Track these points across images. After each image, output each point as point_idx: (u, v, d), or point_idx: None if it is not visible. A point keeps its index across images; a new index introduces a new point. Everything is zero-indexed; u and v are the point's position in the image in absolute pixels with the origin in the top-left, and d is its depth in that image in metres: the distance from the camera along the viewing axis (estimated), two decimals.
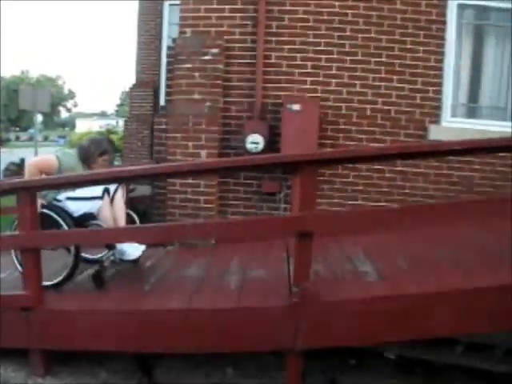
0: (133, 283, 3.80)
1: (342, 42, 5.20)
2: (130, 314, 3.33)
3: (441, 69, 5.29)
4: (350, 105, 5.19)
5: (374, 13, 5.22)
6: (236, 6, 5.28)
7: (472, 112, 5.67)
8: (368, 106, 5.21)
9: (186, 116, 5.09)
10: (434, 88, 5.28)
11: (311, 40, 5.21)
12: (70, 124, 67.67)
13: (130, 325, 3.27)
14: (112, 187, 3.96)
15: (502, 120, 5.60)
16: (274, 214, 5.08)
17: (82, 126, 45.06)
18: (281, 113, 5.02)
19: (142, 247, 4.02)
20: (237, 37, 5.28)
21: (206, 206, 4.97)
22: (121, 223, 3.96)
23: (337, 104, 5.18)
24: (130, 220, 4.20)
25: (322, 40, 5.20)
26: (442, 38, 5.30)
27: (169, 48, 5.71)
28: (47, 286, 3.66)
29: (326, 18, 5.21)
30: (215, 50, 5.17)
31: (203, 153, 5.02)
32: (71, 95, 70.83)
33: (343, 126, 5.18)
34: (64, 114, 72.38)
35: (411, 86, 5.24)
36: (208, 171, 3.24)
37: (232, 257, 4.40)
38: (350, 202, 5.17)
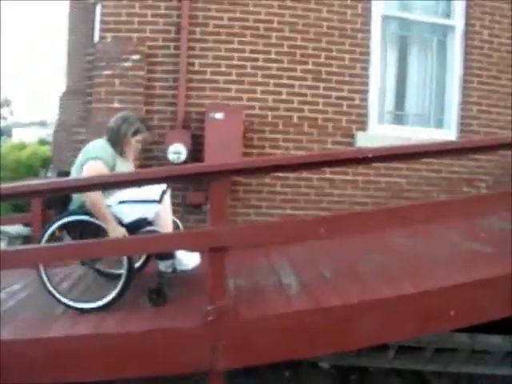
0: (40, 307, 3.47)
1: (267, 49, 5.11)
2: (35, 343, 3.02)
3: (367, 77, 5.30)
4: (276, 113, 5.10)
5: (299, 20, 5.16)
6: (159, 10, 5.09)
7: (398, 119, 5.72)
8: (294, 114, 5.13)
9: (105, 125, 4.80)
10: (361, 95, 5.27)
11: (236, 47, 5.08)
12: (6, 133, 64.97)
13: (35, 354, 2.96)
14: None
15: (426, 127, 5.68)
16: (200, 226, 4.88)
17: (20, 136, 43.24)
18: (204, 122, 4.81)
19: (198, 256, 3.57)
20: (160, 43, 5.08)
21: None
22: (169, 230, 3.52)
23: (263, 112, 5.07)
24: (175, 226, 3.74)
25: (248, 47, 5.09)
26: (368, 47, 5.32)
27: (88, 54, 5.43)
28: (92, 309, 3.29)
29: (251, 24, 5.10)
30: (136, 57, 4.96)
31: None
32: (7, 103, 67.85)
33: (269, 135, 5.07)
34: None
35: (338, 94, 5.21)
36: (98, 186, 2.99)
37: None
38: (278, 212, 5.04)
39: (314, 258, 4.15)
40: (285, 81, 5.12)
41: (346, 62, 5.23)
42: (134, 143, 3.56)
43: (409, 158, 3.87)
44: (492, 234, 4.57)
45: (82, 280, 4.02)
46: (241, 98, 5.07)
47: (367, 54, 5.30)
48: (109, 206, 3.34)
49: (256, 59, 5.10)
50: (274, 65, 5.12)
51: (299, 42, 5.15)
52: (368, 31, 5.29)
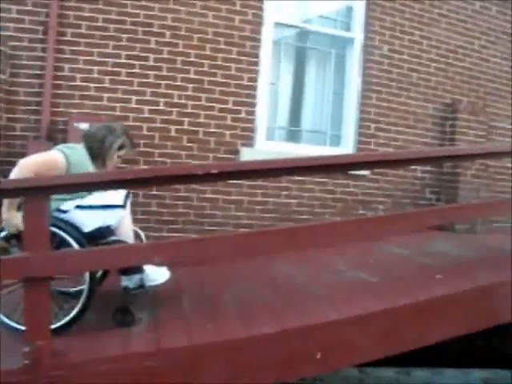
0: None
1: (145, 55, 4.87)
2: None
3: (255, 88, 5.14)
4: (152, 125, 4.85)
5: (182, 25, 4.97)
6: (25, 7, 4.74)
7: (291, 135, 5.58)
8: (172, 127, 4.90)
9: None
10: (247, 109, 5.10)
11: (111, 51, 4.82)
12: None
13: None
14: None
15: (322, 144, 5.49)
16: None
17: None
18: (68, 132, 4.45)
19: (166, 270, 3.32)
20: (25, 43, 4.74)
21: None
22: (131, 240, 3.24)
23: (137, 124, 4.80)
24: (136, 237, 3.42)
25: (124, 52, 4.84)
26: (257, 56, 5.11)
27: None
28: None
29: (128, 27, 4.86)
30: None
31: None
32: None
33: (144, 149, 4.80)
34: None
35: (221, 106, 5.04)
36: None
37: None
38: (154, 235, 4.67)
39: (181, 288, 3.84)
40: (163, 90, 4.89)
41: (232, 72, 5.08)
42: (116, 159, 3.30)
43: (273, 175, 3.62)
44: (381, 261, 4.44)
45: None
46: (114, 108, 4.79)
47: (256, 63, 5.13)
48: (65, 212, 3.04)
49: (132, 65, 4.86)
50: (152, 72, 4.89)
51: (181, 49, 4.96)
52: (258, 39, 5.12)
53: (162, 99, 4.86)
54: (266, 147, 5.13)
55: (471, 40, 6.20)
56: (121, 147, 3.28)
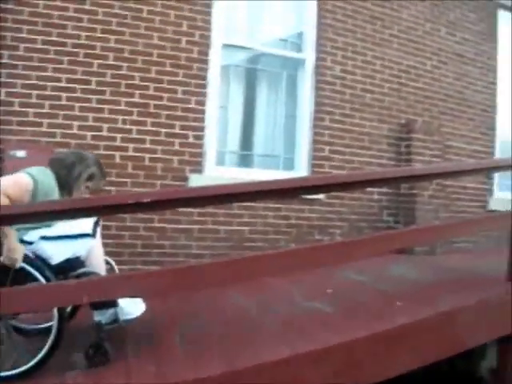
0: None
1: (87, 78, 4.74)
2: None
3: (203, 112, 5.04)
4: (95, 151, 4.61)
5: (126, 47, 4.87)
6: None
7: (243, 160, 5.51)
8: (117, 153, 4.77)
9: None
10: (196, 133, 5.00)
11: (50, 75, 4.68)
12: None
13: None
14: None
15: (275, 169, 5.41)
16: None
17: None
18: (3, 161, 4.25)
19: (141, 302, 3.16)
20: None
21: None
22: (102, 270, 3.08)
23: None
24: (108, 267, 3.34)
25: (64, 75, 4.70)
26: (205, 79, 5.03)
27: None
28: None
29: (69, 49, 4.74)
30: None
31: None
32: None
33: None
34: None
35: (168, 131, 4.94)
36: None
37: None
38: None
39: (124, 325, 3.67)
40: (106, 115, 4.76)
41: (179, 95, 4.99)
42: (84, 189, 3.15)
43: (212, 203, 3.49)
44: (338, 288, 4.34)
45: None
46: (54, 134, 4.62)
47: (204, 86, 5.05)
48: (30, 243, 2.87)
49: (73, 89, 4.71)
50: (95, 96, 4.75)
51: (125, 72, 4.84)
52: (206, 61, 5.04)
53: (105, 124, 4.71)
54: (216, 173, 5.03)
55: (423, 60, 6.30)
56: (90, 178, 3.15)
